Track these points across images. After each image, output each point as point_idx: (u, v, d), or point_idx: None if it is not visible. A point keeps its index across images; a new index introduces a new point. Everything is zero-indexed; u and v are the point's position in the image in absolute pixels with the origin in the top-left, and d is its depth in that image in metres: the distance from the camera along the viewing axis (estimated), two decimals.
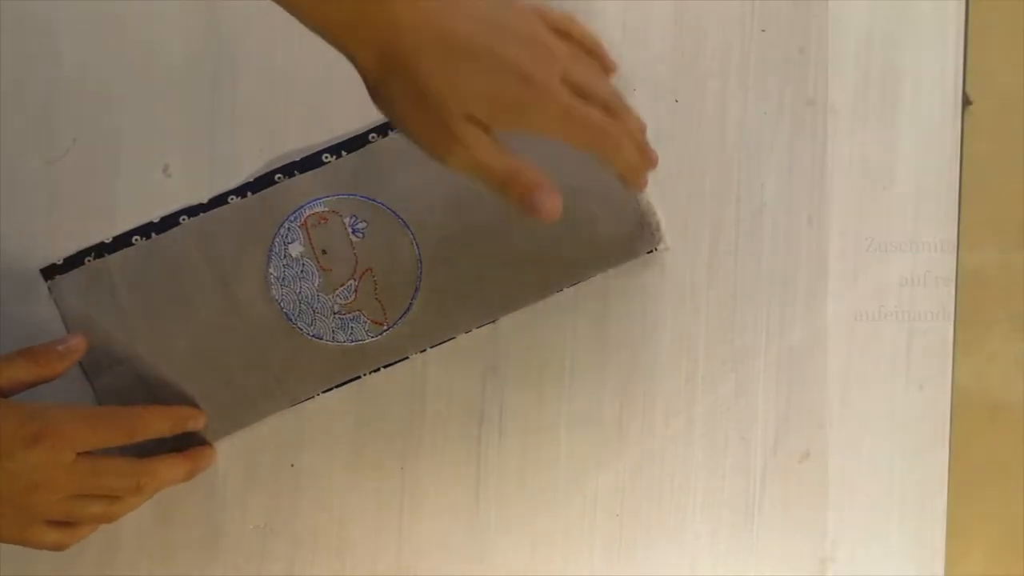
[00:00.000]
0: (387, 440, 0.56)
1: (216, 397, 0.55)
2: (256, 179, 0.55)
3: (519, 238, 0.55)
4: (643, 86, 0.56)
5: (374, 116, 0.55)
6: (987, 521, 0.57)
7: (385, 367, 0.56)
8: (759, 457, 0.56)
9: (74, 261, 0.55)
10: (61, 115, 0.56)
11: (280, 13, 0.57)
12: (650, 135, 0.55)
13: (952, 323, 0.56)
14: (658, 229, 0.55)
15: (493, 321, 0.56)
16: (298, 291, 0.55)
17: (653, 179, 0.55)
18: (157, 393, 0.55)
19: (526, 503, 0.56)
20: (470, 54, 0.38)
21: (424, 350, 0.56)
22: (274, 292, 0.55)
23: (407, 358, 0.56)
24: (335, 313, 0.55)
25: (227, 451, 0.56)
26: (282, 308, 0.55)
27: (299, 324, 0.55)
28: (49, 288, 0.55)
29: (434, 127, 0.38)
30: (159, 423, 0.52)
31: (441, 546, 0.56)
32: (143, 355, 0.55)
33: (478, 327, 0.55)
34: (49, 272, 0.55)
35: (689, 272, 0.56)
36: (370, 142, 0.55)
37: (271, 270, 0.55)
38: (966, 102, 0.56)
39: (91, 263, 0.55)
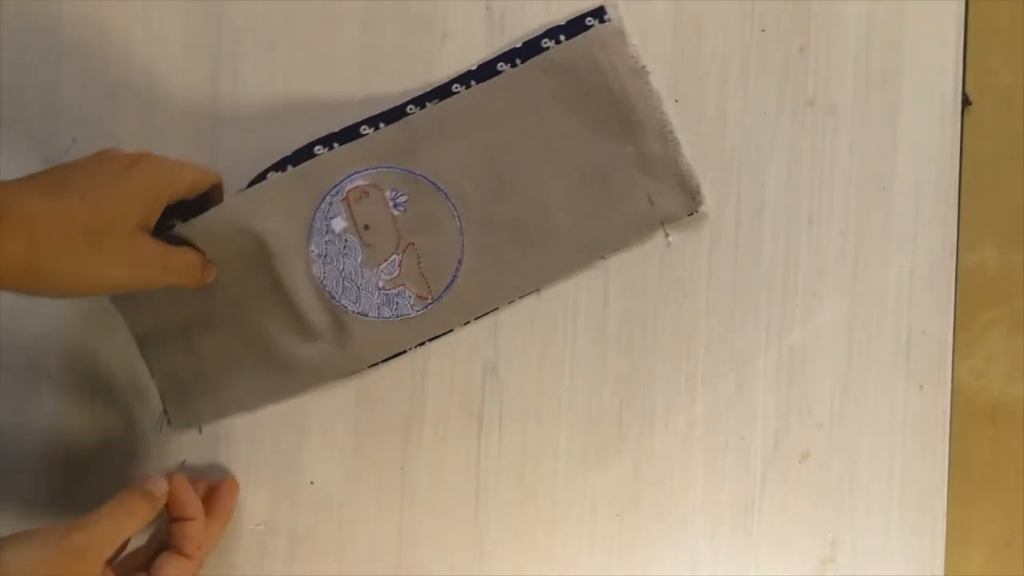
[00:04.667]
0: (387, 440, 0.56)
1: (266, 365, 0.55)
2: (294, 152, 0.54)
3: (560, 206, 0.55)
4: None
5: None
6: (987, 521, 0.57)
7: (431, 340, 0.55)
8: (759, 457, 0.56)
9: None
10: (61, 115, 0.56)
11: (280, 13, 0.57)
12: None
13: (952, 323, 0.56)
14: (698, 192, 0.55)
15: (537, 291, 0.56)
16: (341, 268, 0.54)
17: None
18: (207, 367, 0.55)
19: (526, 503, 0.56)
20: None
21: (468, 322, 0.55)
22: (315, 270, 0.54)
23: (452, 331, 0.55)
24: (380, 289, 0.54)
25: (227, 451, 0.56)
26: (324, 286, 0.54)
27: (343, 302, 0.54)
28: None
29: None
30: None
31: (441, 546, 0.56)
32: (191, 325, 0.55)
33: (521, 298, 0.55)
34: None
35: (689, 272, 0.56)
36: (408, 114, 0.55)
37: (312, 247, 0.54)
38: (966, 102, 0.56)
39: None
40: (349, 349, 0.55)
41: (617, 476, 0.56)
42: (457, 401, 0.56)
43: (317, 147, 0.55)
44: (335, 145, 0.55)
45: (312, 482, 0.57)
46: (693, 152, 0.56)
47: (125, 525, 0.45)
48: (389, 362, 0.56)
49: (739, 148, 0.56)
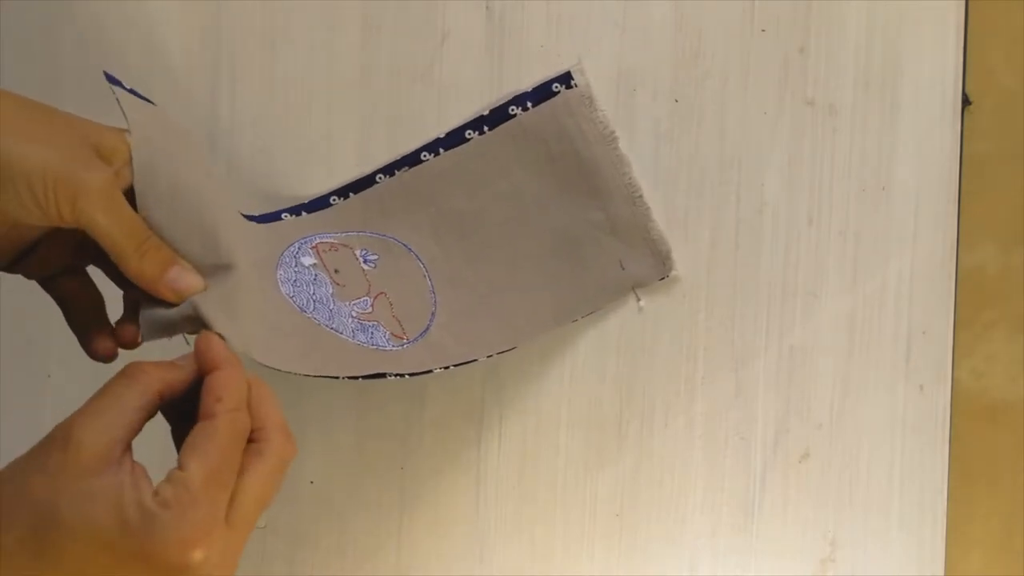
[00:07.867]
0: (387, 441, 0.56)
1: (250, 320, 0.44)
2: (261, 215, 0.52)
3: (530, 270, 0.55)
4: (643, 86, 0.56)
5: (376, 116, 0.56)
6: (987, 521, 0.57)
7: (410, 375, 0.50)
8: (759, 457, 0.56)
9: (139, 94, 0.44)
10: None
11: (280, 13, 0.57)
12: (650, 135, 0.55)
13: (952, 323, 0.56)
14: (669, 257, 0.55)
15: (513, 348, 0.54)
16: (312, 293, 0.50)
17: (655, 182, 0.56)
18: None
19: (526, 503, 0.56)
20: None
21: (448, 368, 0.52)
22: (285, 290, 0.48)
23: (432, 371, 0.51)
24: (353, 317, 0.51)
25: None
26: (295, 303, 0.48)
27: (316, 316, 0.49)
28: (114, 91, 0.44)
29: None
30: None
31: (441, 546, 0.56)
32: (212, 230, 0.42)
33: (499, 354, 0.54)
34: (114, 80, 0.44)
35: (689, 272, 0.56)
36: (376, 183, 0.55)
37: (280, 272, 0.49)
38: (966, 102, 0.56)
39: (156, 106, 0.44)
40: (329, 353, 0.48)
41: (617, 476, 0.56)
42: (457, 402, 0.56)
43: (284, 213, 0.53)
44: (303, 213, 0.54)
45: (312, 482, 0.57)
46: (693, 153, 0.56)
47: (108, 408, 0.38)
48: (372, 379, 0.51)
49: (739, 148, 0.56)
